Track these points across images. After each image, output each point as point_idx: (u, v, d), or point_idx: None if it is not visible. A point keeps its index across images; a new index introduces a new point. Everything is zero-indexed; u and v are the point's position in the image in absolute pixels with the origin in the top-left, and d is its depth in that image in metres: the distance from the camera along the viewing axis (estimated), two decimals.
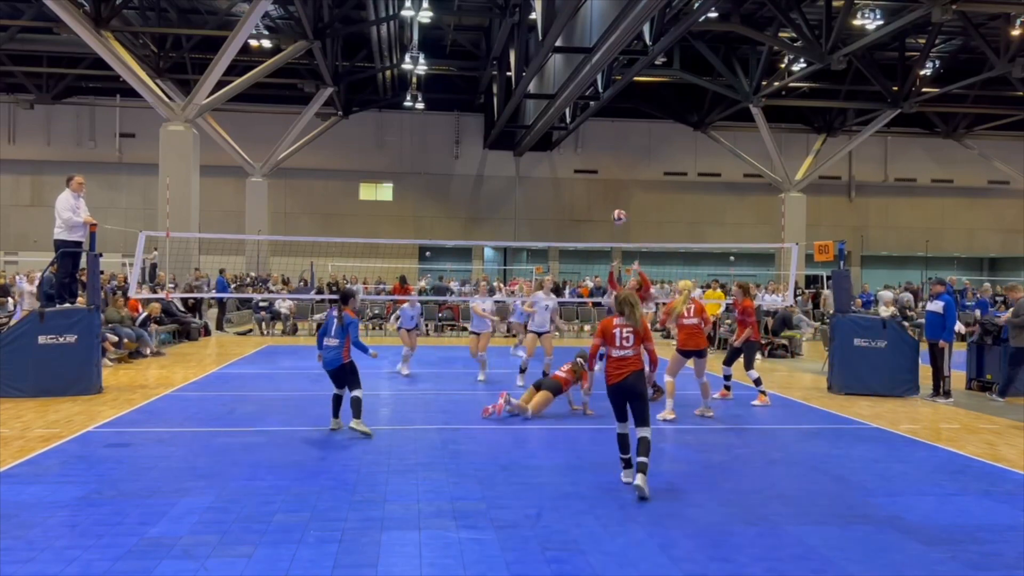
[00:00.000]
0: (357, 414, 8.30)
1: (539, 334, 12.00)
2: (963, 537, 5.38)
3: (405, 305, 14.27)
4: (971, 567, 4.86)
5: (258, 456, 7.33)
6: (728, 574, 4.68)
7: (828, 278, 28.74)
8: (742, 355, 11.09)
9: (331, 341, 8.39)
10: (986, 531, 5.51)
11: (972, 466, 7.47)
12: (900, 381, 11.71)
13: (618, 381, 6.38)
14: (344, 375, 8.44)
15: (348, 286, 19.99)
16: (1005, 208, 40.22)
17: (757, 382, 10.93)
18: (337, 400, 8.57)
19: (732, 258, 38.31)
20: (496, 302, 15.84)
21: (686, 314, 9.89)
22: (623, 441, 6.54)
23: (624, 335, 6.44)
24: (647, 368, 6.50)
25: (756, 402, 10.82)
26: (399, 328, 14.15)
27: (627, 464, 6.54)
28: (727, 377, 11.23)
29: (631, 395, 6.38)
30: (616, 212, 11.68)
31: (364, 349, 8.44)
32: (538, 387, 9.74)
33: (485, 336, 12.79)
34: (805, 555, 5.00)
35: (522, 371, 12.07)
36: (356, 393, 8.40)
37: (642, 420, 6.33)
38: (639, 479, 6.11)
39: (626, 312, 6.49)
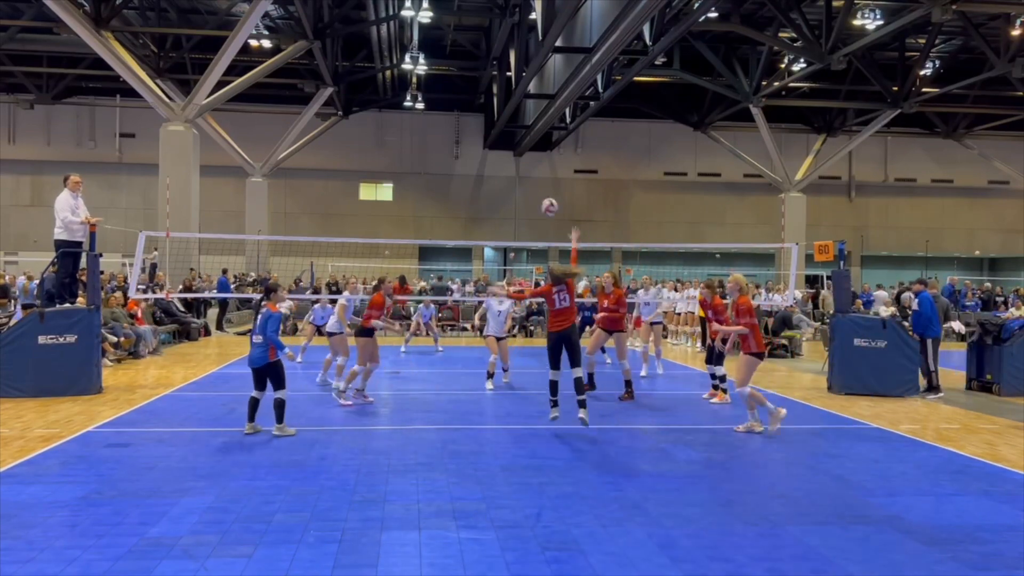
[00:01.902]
0: (279, 418, 8.19)
1: (497, 339, 11.75)
2: (963, 537, 5.38)
3: (316, 305, 14.20)
4: (971, 567, 4.86)
5: (258, 456, 7.33)
6: (728, 574, 4.68)
7: (828, 278, 28.73)
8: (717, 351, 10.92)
9: (257, 338, 8.19)
10: (986, 531, 5.51)
11: (972, 466, 7.47)
12: (900, 381, 11.71)
13: (558, 331, 8.30)
14: (268, 374, 8.20)
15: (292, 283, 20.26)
16: (1005, 208, 40.20)
17: (722, 379, 10.83)
18: (254, 403, 8.27)
19: (718, 256, 38.46)
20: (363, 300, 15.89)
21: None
22: (554, 386, 8.40)
23: (561, 297, 8.44)
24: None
25: (714, 399, 10.77)
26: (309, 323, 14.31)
27: (554, 404, 8.39)
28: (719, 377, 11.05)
29: (568, 343, 8.24)
30: (545, 202, 10.19)
31: (280, 347, 8.18)
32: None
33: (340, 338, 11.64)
34: (805, 555, 5.00)
35: (490, 375, 11.86)
36: (279, 395, 8.20)
37: (576, 363, 8.24)
38: (583, 413, 8.15)
39: (557, 281, 8.42)
